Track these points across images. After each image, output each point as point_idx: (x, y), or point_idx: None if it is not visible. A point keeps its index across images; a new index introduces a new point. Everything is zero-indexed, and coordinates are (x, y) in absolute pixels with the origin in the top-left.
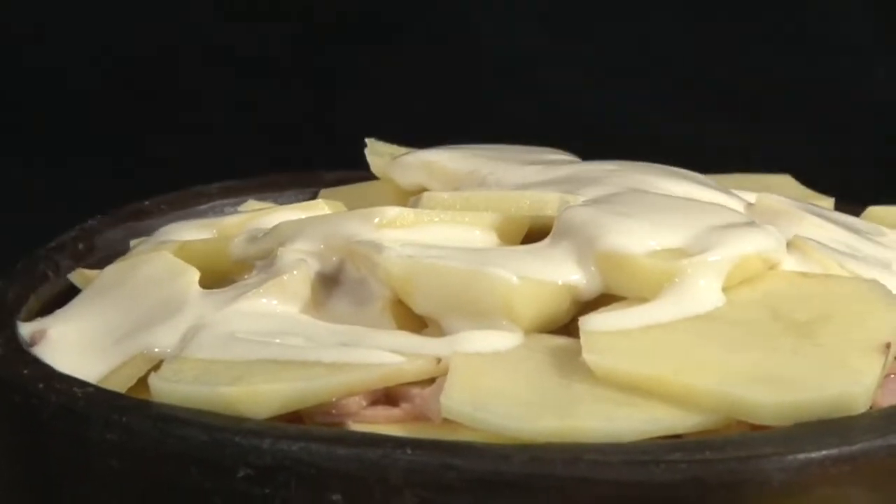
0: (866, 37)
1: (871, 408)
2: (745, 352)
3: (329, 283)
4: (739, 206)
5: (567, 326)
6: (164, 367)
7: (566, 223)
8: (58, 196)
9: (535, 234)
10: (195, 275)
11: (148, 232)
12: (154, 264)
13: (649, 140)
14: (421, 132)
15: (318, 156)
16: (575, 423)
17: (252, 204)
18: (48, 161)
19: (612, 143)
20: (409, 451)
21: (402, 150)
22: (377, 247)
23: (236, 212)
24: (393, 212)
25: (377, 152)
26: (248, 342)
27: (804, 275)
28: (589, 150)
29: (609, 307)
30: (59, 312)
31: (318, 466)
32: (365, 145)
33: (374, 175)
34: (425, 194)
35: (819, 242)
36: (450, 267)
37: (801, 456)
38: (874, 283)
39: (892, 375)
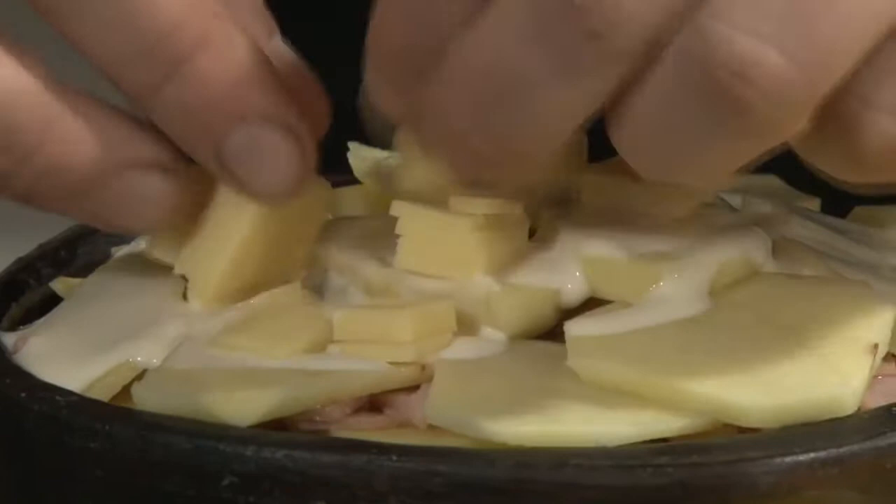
0: None
1: (859, 409)
2: (731, 355)
3: (313, 292)
4: (725, 209)
5: (552, 331)
6: (147, 376)
7: (550, 228)
8: None
9: None
10: (178, 283)
11: (130, 239)
12: (136, 272)
13: None
14: None
15: None
16: (561, 427)
17: None
18: None
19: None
20: (394, 458)
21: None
22: (359, 255)
23: None
24: (376, 219)
25: (360, 156)
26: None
27: (790, 277)
28: None
29: (594, 311)
30: (42, 321)
31: (303, 473)
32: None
33: (357, 179)
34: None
35: (805, 244)
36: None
37: (789, 459)
38: (861, 285)
39: (880, 377)
